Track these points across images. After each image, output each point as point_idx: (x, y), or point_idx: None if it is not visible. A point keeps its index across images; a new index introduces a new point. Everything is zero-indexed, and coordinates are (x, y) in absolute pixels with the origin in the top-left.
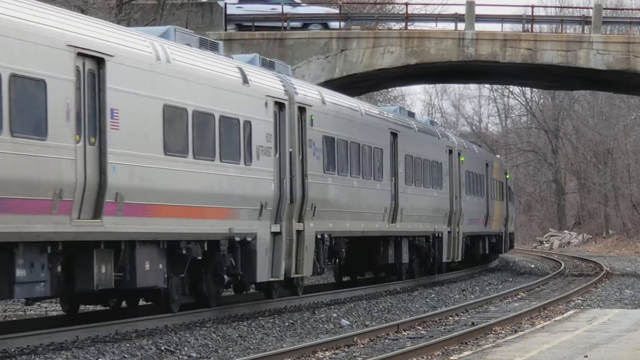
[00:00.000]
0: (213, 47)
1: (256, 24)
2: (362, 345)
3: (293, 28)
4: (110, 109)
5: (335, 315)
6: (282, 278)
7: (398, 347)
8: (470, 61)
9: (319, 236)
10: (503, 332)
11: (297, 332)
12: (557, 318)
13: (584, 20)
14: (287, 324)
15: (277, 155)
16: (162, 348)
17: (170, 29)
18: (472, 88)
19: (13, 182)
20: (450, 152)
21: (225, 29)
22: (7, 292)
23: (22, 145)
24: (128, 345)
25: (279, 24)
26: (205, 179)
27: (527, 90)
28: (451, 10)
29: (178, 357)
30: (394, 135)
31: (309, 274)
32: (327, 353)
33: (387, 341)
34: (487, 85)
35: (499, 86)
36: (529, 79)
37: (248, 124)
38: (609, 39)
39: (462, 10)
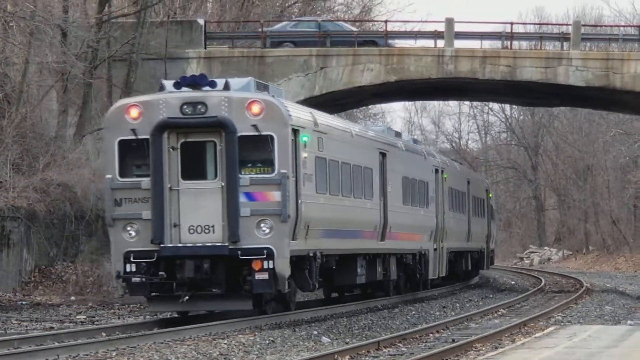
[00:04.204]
0: (399, 135)
1: None
2: None
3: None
4: (388, 180)
5: (315, 332)
6: (436, 277)
7: None
8: (449, 78)
9: (448, 251)
10: (483, 348)
11: (278, 349)
12: (538, 334)
13: (563, 37)
14: (267, 342)
15: (435, 201)
16: None
17: (384, 129)
18: (452, 105)
19: (362, 222)
20: (487, 191)
21: (205, 47)
22: (353, 280)
23: (365, 203)
24: None
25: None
26: (415, 217)
27: (507, 107)
28: (430, 27)
29: None
30: (469, 182)
31: (444, 274)
32: None
33: (367, 358)
34: (467, 102)
35: (479, 103)
36: (508, 95)
37: (427, 183)
38: (588, 55)
39: (441, 27)
